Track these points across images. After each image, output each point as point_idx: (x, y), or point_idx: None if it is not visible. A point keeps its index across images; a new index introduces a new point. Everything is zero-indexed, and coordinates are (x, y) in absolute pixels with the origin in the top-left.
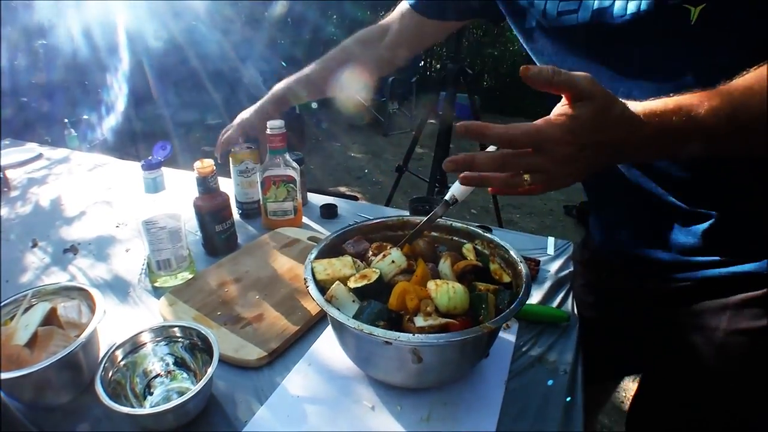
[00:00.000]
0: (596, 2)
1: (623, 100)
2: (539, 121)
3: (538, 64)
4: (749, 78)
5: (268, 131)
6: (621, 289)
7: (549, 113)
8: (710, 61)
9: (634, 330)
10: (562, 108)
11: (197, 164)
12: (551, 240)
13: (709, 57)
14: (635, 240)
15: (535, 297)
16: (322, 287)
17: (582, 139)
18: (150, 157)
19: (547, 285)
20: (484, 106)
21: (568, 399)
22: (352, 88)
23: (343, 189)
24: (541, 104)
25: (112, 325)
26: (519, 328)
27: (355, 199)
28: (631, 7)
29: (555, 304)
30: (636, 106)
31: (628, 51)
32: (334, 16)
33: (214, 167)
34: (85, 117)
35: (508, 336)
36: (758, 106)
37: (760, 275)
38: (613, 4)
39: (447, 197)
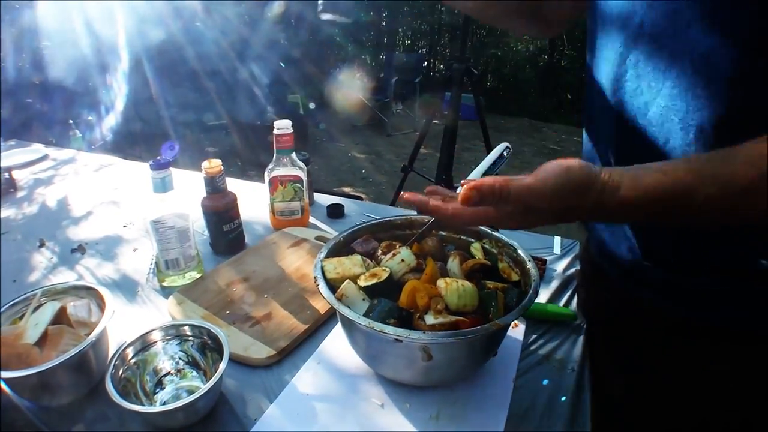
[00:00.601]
0: None
1: (602, 182)
2: (492, 197)
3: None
4: (748, 164)
5: (275, 131)
6: (614, 290)
7: (550, 113)
8: (720, 51)
9: (629, 331)
10: (526, 188)
11: (205, 164)
12: (557, 239)
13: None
14: (617, 241)
15: (542, 296)
16: (332, 286)
17: (534, 220)
18: (158, 157)
19: (554, 284)
20: (486, 106)
21: (563, 398)
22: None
23: (347, 189)
24: (542, 104)
25: (121, 325)
26: (526, 326)
27: (360, 199)
28: None
29: (562, 302)
30: (613, 196)
31: (645, 14)
32: None
33: (222, 167)
34: (90, 118)
35: (515, 335)
36: (759, 204)
37: (730, 331)
38: None
39: None
